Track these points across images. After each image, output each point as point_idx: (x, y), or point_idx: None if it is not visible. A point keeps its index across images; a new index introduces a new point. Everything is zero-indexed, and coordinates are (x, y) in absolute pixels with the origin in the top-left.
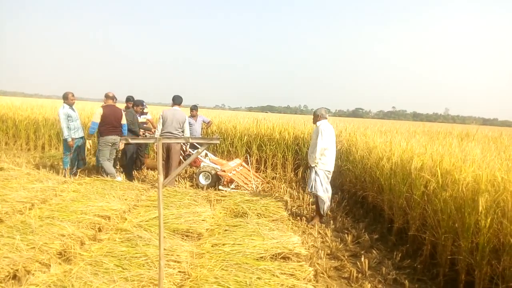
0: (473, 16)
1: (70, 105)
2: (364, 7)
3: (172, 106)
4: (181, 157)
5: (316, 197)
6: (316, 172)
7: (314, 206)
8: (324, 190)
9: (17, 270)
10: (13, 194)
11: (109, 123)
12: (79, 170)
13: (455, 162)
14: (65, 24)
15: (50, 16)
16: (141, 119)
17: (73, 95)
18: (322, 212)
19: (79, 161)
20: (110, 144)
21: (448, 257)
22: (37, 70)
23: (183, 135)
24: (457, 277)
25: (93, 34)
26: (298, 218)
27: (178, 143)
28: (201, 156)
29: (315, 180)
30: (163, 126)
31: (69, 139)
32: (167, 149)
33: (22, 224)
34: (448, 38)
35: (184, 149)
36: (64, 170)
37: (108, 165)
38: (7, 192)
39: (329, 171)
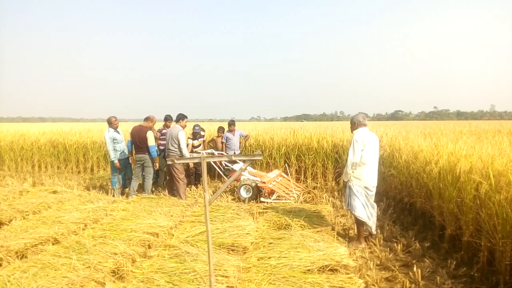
0: None
1: (115, 128)
2: (400, 4)
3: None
4: (220, 172)
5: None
6: (350, 187)
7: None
8: (362, 208)
9: None
10: (67, 215)
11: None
12: (127, 189)
13: (507, 162)
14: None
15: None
16: (197, 142)
17: (116, 119)
18: (368, 232)
19: (126, 180)
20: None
21: (508, 263)
22: (82, 96)
23: (179, 149)
24: None
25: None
26: (343, 228)
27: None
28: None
29: (349, 196)
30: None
31: (116, 161)
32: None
33: (77, 244)
34: (488, 30)
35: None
36: (113, 190)
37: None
38: (62, 214)
39: (366, 187)
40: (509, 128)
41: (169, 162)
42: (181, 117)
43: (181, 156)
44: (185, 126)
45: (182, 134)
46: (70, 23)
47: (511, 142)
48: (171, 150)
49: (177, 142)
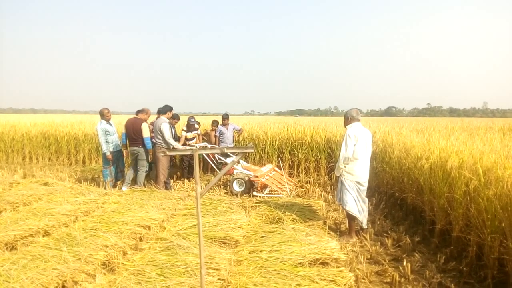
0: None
1: (107, 121)
2: (395, 2)
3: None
4: (213, 165)
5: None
6: (342, 182)
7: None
8: (354, 203)
9: (65, 281)
10: (58, 207)
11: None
12: (118, 182)
13: (496, 158)
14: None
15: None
16: (191, 134)
17: (108, 111)
18: (359, 226)
19: (118, 173)
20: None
21: (496, 258)
22: (75, 88)
23: (163, 141)
24: (507, 279)
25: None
26: (335, 222)
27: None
28: None
29: (341, 191)
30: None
31: (108, 153)
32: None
33: (68, 236)
34: (482, 29)
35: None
36: (104, 183)
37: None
38: (53, 206)
39: (358, 182)
40: (500, 125)
41: (161, 155)
42: (168, 109)
43: (167, 147)
44: (171, 117)
45: (165, 125)
46: (63, 13)
47: (501, 139)
48: (157, 142)
49: (161, 134)
